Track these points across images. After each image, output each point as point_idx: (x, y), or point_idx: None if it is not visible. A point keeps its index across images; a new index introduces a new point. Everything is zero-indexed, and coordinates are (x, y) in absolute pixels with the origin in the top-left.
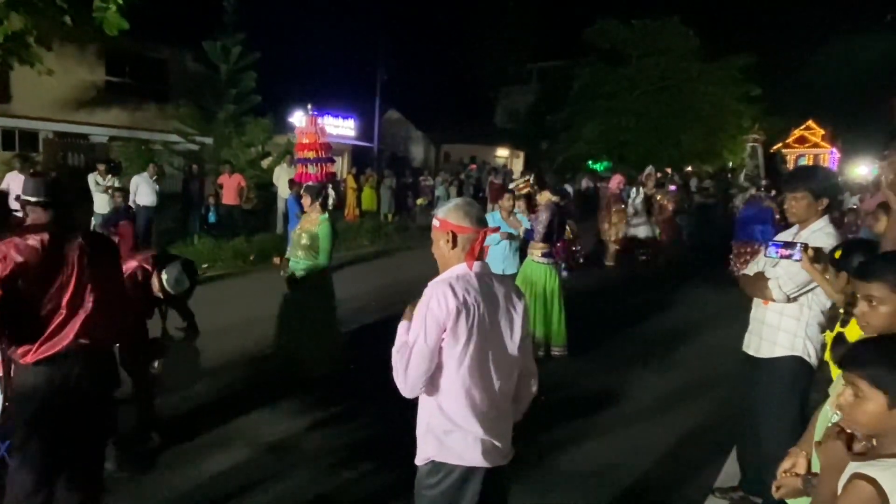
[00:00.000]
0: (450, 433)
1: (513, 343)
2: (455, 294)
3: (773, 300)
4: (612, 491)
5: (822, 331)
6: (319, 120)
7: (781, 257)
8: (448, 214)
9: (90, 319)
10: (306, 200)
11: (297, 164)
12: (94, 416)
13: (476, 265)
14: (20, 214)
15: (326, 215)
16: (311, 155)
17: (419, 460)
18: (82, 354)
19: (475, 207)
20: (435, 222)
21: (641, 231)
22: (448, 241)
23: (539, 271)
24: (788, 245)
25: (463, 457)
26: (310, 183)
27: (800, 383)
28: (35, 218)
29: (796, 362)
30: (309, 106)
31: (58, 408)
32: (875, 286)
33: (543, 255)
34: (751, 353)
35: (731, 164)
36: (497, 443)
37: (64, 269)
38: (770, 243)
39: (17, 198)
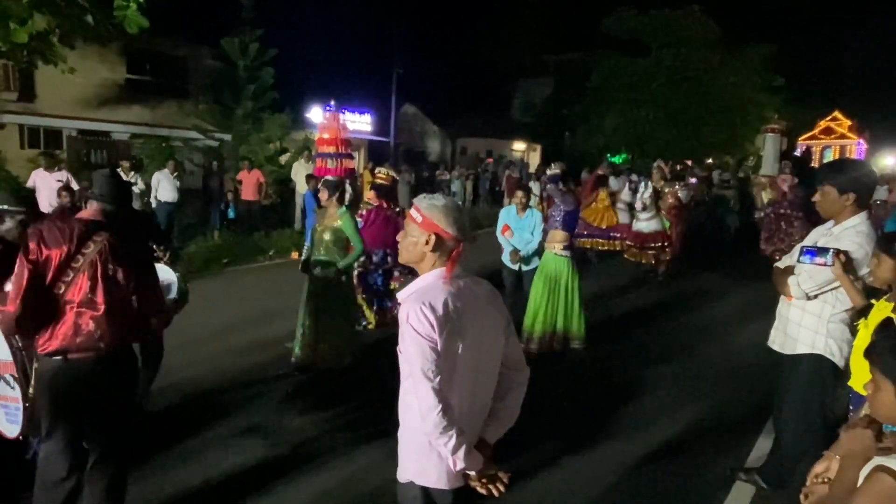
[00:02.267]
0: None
1: (500, 337)
2: (433, 308)
3: (792, 296)
4: (637, 476)
5: (850, 327)
6: (340, 115)
7: (814, 265)
8: (434, 213)
9: (104, 318)
10: (324, 195)
11: (317, 159)
12: (114, 409)
13: (454, 271)
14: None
15: (344, 208)
16: (332, 150)
17: (402, 478)
18: (97, 352)
19: (463, 214)
20: (416, 215)
21: (649, 225)
22: (428, 243)
23: (560, 264)
24: (821, 251)
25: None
26: (328, 178)
27: (821, 382)
28: (88, 212)
29: (817, 361)
30: (332, 102)
31: (76, 400)
32: None
33: (564, 249)
34: (776, 348)
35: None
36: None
37: (84, 264)
38: (804, 249)
39: (86, 189)
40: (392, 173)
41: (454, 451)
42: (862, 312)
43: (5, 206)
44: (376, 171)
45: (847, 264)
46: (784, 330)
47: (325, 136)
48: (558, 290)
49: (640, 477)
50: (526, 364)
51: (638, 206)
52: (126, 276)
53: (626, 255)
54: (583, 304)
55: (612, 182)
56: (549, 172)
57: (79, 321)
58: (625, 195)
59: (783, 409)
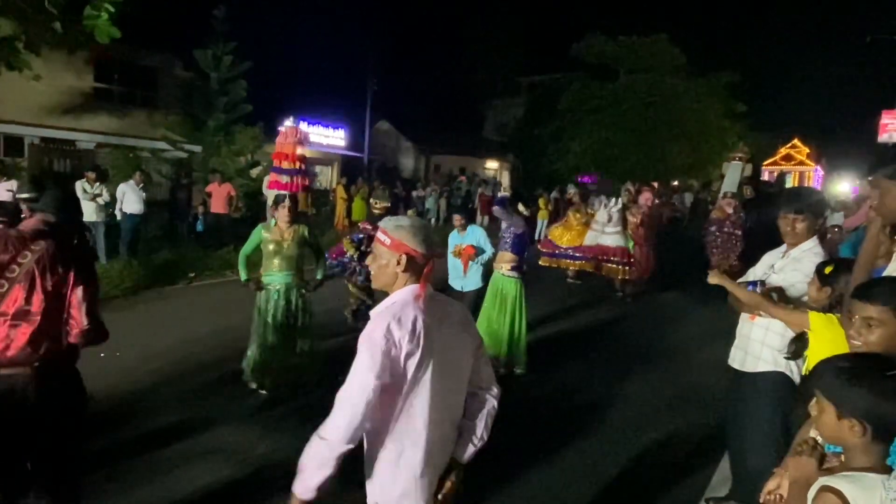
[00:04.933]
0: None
1: (469, 358)
2: (403, 324)
3: (760, 316)
4: (603, 497)
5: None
6: (299, 131)
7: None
8: (401, 234)
9: (39, 330)
10: (284, 210)
11: (271, 173)
12: (53, 433)
13: (427, 289)
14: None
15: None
16: (287, 165)
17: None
18: (32, 368)
19: (431, 231)
20: (384, 238)
21: (613, 240)
22: (399, 263)
23: (507, 284)
24: (757, 284)
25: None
26: (283, 192)
27: (782, 398)
28: (32, 222)
29: (779, 377)
30: (291, 117)
31: (8, 420)
32: (875, 308)
33: (512, 269)
34: (736, 366)
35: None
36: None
37: (20, 275)
38: (748, 283)
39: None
40: (386, 203)
41: (316, 486)
42: (799, 338)
43: None
44: (371, 200)
45: (782, 294)
46: (745, 348)
47: (283, 150)
48: (505, 310)
49: (605, 497)
50: (496, 383)
51: (604, 217)
52: (66, 286)
53: (587, 269)
54: (527, 329)
55: (595, 203)
56: (499, 194)
57: (11, 334)
58: (601, 216)
59: (746, 426)
